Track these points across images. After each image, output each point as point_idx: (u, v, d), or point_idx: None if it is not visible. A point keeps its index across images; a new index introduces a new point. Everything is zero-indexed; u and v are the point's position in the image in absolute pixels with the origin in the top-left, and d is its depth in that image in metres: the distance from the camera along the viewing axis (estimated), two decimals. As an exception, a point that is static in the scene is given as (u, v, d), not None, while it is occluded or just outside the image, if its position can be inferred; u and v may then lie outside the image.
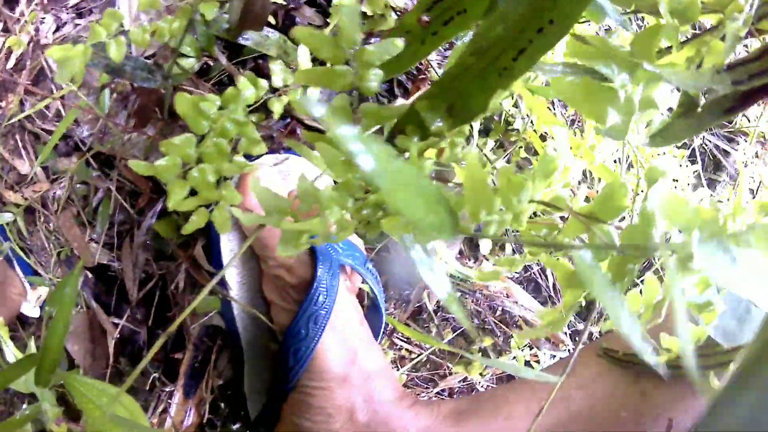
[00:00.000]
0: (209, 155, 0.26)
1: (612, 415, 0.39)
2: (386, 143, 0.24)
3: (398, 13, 0.48)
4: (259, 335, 0.45)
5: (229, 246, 0.45)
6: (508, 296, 0.59)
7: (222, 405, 0.48)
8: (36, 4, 0.60)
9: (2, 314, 0.51)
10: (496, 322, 0.59)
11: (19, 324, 0.52)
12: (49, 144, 0.52)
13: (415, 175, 0.16)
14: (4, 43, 0.59)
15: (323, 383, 0.40)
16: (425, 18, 0.25)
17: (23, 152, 0.55)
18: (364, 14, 0.51)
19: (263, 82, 0.30)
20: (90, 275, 0.51)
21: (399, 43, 0.22)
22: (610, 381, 0.40)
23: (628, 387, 0.39)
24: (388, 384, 0.43)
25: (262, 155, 0.46)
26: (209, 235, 0.48)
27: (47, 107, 0.55)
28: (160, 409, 0.48)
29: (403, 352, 0.58)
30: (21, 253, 0.52)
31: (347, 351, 0.42)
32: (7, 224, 0.52)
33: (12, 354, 0.49)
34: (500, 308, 0.60)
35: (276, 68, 0.39)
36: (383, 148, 0.15)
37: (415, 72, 0.57)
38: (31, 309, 0.53)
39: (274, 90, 0.39)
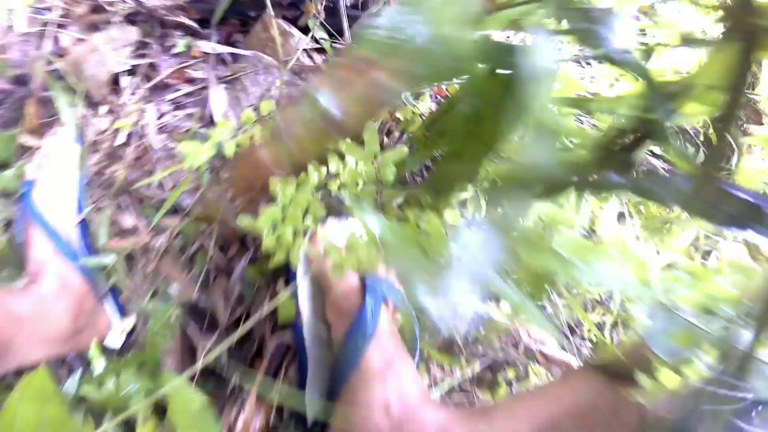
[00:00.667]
0: (290, 217, 0.41)
1: (594, 412, 0.50)
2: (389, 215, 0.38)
3: (422, 117, 0.63)
4: (321, 350, 0.60)
5: (304, 290, 0.61)
6: (528, 334, 0.71)
7: (284, 411, 0.62)
8: (138, 95, 0.78)
9: (89, 340, 0.65)
10: (517, 355, 0.71)
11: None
12: (165, 204, 0.69)
13: (400, 229, 0.30)
14: (112, 124, 0.78)
15: (367, 383, 0.53)
16: (427, 133, 0.39)
17: (127, 211, 0.73)
18: (398, 119, 0.67)
19: (324, 170, 0.45)
20: (182, 310, 0.66)
21: (405, 150, 0.36)
22: (595, 385, 0.51)
23: (607, 389, 0.50)
24: (417, 389, 0.55)
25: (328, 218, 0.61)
26: (287, 277, 0.63)
27: (152, 174, 0.73)
28: (234, 411, 0.62)
29: (437, 380, 0.70)
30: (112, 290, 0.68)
31: (386, 359, 0.55)
32: (106, 267, 0.68)
33: (102, 369, 0.63)
34: (521, 343, 0.71)
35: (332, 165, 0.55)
36: (384, 221, 0.29)
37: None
38: (114, 340, 0.66)
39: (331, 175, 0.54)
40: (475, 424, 0.52)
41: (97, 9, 0.84)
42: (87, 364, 0.63)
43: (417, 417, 0.52)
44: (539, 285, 0.38)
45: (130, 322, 0.66)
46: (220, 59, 0.82)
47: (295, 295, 0.61)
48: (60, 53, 0.80)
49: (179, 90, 0.79)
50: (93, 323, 0.65)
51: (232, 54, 0.82)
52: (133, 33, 0.81)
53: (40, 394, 0.41)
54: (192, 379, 0.63)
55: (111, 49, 0.80)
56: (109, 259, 0.68)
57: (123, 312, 0.67)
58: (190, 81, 0.80)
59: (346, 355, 0.55)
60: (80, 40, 0.81)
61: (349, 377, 0.55)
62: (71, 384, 0.63)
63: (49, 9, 0.83)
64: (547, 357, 0.69)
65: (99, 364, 0.62)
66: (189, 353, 0.64)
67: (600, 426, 0.49)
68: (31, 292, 0.62)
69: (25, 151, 0.74)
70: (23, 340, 0.58)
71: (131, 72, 0.80)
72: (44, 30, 0.81)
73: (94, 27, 0.83)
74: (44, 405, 0.42)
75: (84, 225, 0.69)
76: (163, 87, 0.79)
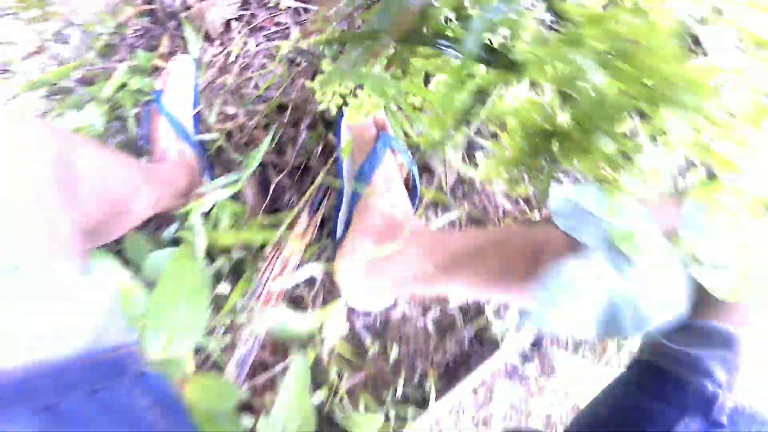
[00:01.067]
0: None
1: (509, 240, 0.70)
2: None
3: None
4: (349, 183, 0.90)
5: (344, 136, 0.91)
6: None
7: (324, 228, 0.92)
8: (243, 33, 1.12)
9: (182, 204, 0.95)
10: (493, 212, 0.98)
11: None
12: (270, 104, 1.02)
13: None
14: (223, 50, 1.11)
15: (371, 197, 0.83)
16: None
17: (231, 104, 1.05)
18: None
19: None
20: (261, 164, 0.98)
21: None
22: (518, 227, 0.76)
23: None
24: (405, 205, 0.84)
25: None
26: (335, 132, 0.94)
27: (249, 81, 1.06)
28: (287, 221, 0.92)
29: (431, 220, 0.98)
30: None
31: (387, 184, 0.84)
32: (212, 143, 1.00)
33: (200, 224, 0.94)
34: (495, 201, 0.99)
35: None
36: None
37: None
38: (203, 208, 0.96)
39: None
40: (439, 234, 0.80)
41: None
42: (184, 219, 0.93)
43: (400, 221, 0.81)
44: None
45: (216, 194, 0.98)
46: (297, 11, 1.15)
47: (338, 141, 0.92)
48: (188, 6, 1.15)
49: (270, 30, 1.12)
50: (197, 188, 0.97)
51: (304, 8, 1.15)
52: (239, -8, 1.16)
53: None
54: (265, 204, 0.95)
55: (225, 4, 1.14)
56: (214, 136, 1.01)
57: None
58: (278, 24, 1.13)
59: (360, 179, 0.85)
60: (203, -4, 1.16)
61: (360, 196, 0.84)
62: (167, 233, 0.94)
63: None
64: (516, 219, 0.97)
65: (196, 217, 0.92)
66: (264, 188, 0.97)
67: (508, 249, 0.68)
68: (164, 163, 0.95)
69: (158, 70, 1.09)
70: (156, 195, 0.88)
71: (238, 19, 1.14)
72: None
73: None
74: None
75: (197, 118, 1.03)
76: (259, 28, 1.13)
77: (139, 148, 1.01)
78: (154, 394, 0.45)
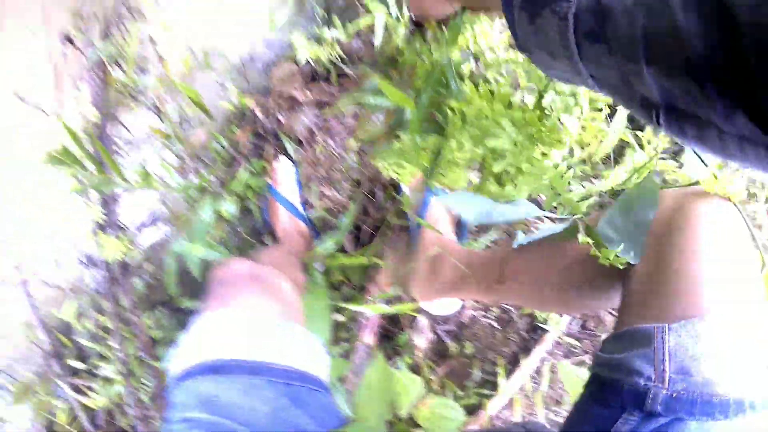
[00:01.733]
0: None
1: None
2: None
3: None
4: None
5: (405, 192, 1.28)
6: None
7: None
8: (322, 135, 1.53)
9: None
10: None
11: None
12: (351, 181, 1.41)
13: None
14: (313, 149, 1.53)
15: (427, 230, 1.17)
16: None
17: (325, 187, 1.44)
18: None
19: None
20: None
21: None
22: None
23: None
24: (453, 238, 1.18)
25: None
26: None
27: (334, 168, 1.45)
28: (375, 252, 1.27)
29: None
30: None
31: (434, 219, 1.19)
32: (318, 218, 1.39)
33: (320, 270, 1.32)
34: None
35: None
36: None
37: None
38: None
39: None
40: (492, 260, 1.13)
41: (293, 104, 1.62)
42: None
43: (451, 249, 1.15)
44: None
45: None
46: (356, 115, 1.56)
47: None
48: (280, 122, 1.58)
49: (341, 130, 1.53)
50: (311, 249, 1.35)
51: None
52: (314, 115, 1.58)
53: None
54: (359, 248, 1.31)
55: (307, 118, 1.56)
56: (319, 214, 1.40)
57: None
58: (345, 126, 1.54)
59: (416, 219, 1.21)
60: (290, 114, 1.59)
61: (419, 231, 1.20)
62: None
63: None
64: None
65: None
66: (357, 237, 1.33)
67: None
68: (287, 242, 1.34)
69: (267, 171, 1.50)
70: (288, 268, 1.25)
71: (318, 126, 1.55)
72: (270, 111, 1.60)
73: (294, 108, 1.60)
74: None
75: (302, 200, 1.42)
76: (334, 131, 1.54)
77: (263, 227, 1.40)
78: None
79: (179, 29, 1.40)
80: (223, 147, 1.50)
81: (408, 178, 0.98)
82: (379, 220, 1.34)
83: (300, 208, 1.39)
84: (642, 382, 0.58)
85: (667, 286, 0.63)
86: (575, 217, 0.72)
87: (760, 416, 0.54)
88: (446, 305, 1.22)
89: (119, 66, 1.40)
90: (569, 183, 0.83)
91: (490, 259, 1.01)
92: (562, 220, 0.73)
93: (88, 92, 1.36)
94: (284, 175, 1.43)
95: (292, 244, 1.33)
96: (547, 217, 1.14)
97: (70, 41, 1.29)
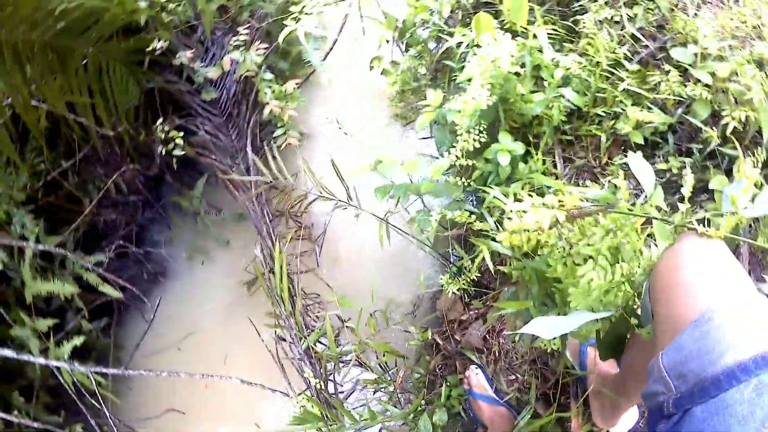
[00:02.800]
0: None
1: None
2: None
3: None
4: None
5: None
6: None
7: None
8: (494, 341, 1.90)
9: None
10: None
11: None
12: (528, 361, 1.74)
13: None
14: (490, 351, 1.88)
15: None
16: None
17: (506, 373, 1.77)
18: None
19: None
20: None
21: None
22: None
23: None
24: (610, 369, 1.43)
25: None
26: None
27: (507, 361, 1.80)
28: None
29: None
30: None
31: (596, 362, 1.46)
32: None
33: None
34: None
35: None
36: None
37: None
38: None
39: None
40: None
41: (461, 323, 2.05)
42: None
43: (611, 375, 1.40)
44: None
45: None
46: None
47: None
48: (458, 340, 1.98)
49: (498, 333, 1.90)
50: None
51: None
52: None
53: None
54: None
55: (477, 331, 1.96)
56: (512, 395, 1.72)
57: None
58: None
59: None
60: (462, 331, 2.00)
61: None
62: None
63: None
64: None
65: None
66: (547, 404, 1.61)
67: None
68: (495, 427, 1.67)
69: (462, 380, 1.86)
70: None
71: (489, 335, 1.94)
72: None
73: (463, 326, 2.02)
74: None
75: (495, 390, 1.75)
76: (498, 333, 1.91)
77: (473, 423, 1.74)
78: None
79: (356, 301, 1.91)
80: (420, 374, 1.92)
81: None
82: (555, 382, 1.63)
83: (495, 397, 1.72)
84: (660, 398, 0.74)
85: (656, 326, 0.84)
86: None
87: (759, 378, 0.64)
88: (627, 420, 1.42)
89: (322, 343, 1.90)
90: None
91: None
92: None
93: (310, 370, 1.86)
94: (476, 377, 1.79)
95: (495, 425, 1.64)
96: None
97: (282, 338, 1.84)
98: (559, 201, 0.92)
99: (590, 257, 0.95)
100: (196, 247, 2.23)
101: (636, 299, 1.00)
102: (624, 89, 1.64)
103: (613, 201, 0.98)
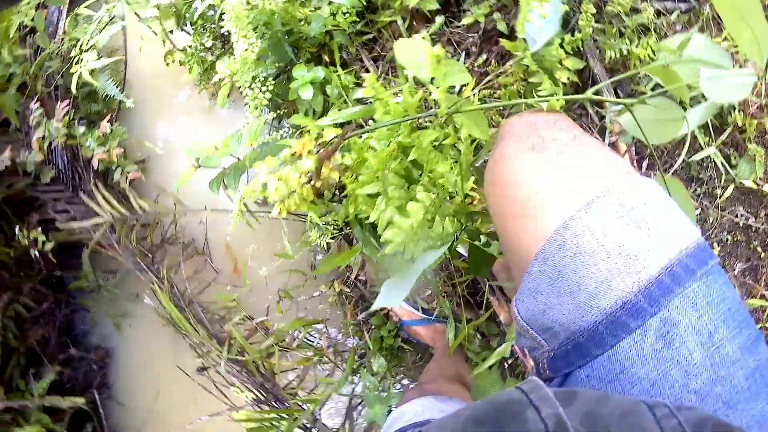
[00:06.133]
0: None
1: None
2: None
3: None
4: None
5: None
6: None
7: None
8: None
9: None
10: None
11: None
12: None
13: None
14: None
15: None
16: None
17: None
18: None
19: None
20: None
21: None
22: None
23: None
24: None
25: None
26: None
27: None
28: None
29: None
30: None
31: None
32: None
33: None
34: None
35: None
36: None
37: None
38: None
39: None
40: None
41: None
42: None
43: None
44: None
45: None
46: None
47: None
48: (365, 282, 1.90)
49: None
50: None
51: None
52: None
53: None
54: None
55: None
56: (438, 311, 1.66)
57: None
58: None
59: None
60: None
61: None
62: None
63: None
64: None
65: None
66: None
67: None
68: (435, 343, 1.62)
69: (389, 316, 1.80)
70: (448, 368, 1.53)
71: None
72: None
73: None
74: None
75: (422, 310, 1.69)
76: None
77: (418, 347, 1.69)
78: None
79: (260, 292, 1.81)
80: (346, 326, 1.85)
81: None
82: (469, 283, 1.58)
83: (426, 316, 1.67)
84: (535, 353, 0.54)
85: (505, 255, 0.63)
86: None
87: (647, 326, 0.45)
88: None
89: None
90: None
91: None
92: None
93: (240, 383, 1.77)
94: (399, 308, 1.73)
95: (437, 342, 1.59)
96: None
97: (203, 368, 1.75)
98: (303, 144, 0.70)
99: (378, 193, 0.83)
100: (116, 314, 2.20)
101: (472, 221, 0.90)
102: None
103: (370, 113, 0.83)
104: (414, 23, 1.54)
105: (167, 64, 1.92)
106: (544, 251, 0.50)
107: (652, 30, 1.41)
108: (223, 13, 1.34)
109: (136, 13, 1.83)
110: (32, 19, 1.91)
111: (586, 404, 0.39)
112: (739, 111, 1.34)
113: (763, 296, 1.40)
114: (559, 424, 0.37)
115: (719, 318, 0.45)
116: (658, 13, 1.44)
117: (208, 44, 1.77)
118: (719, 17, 1.17)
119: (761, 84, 1.36)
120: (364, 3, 1.50)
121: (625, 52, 1.33)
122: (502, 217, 0.57)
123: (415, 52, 0.74)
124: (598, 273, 0.46)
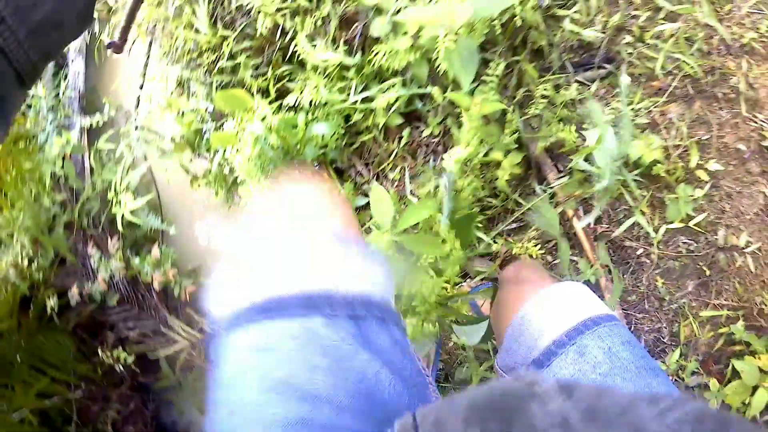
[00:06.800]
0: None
1: None
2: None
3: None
4: None
5: None
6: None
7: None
8: None
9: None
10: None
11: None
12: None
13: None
14: None
15: None
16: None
17: None
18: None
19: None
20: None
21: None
22: None
23: None
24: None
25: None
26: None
27: None
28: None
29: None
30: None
31: None
32: None
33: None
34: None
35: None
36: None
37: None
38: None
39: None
40: None
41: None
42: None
43: None
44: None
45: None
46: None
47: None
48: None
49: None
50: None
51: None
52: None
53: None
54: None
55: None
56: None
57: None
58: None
59: None
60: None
61: None
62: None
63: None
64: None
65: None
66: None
67: None
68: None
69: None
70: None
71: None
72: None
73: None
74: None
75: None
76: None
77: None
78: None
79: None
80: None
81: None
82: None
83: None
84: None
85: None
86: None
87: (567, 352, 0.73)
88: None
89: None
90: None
91: None
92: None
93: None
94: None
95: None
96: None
97: None
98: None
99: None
100: (199, 401, 2.31)
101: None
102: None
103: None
104: (388, 135, 1.84)
105: (195, 189, 2.09)
106: (512, 323, 0.85)
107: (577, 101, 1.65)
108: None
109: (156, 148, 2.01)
110: (62, 167, 2.03)
111: (585, 398, 0.40)
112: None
113: (714, 306, 1.66)
114: (564, 421, 0.37)
115: (618, 341, 0.72)
116: (580, 83, 1.67)
117: (227, 171, 2.06)
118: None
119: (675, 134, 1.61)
120: (343, 126, 1.79)
121: (554, 139, 1.60)
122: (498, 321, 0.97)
123: (384, 204, 1.02)
124: (540, 328, 0.79)
